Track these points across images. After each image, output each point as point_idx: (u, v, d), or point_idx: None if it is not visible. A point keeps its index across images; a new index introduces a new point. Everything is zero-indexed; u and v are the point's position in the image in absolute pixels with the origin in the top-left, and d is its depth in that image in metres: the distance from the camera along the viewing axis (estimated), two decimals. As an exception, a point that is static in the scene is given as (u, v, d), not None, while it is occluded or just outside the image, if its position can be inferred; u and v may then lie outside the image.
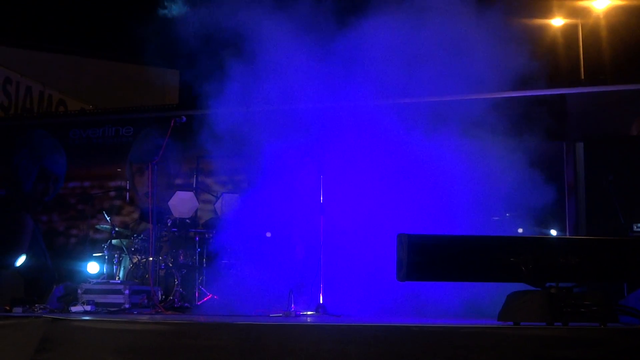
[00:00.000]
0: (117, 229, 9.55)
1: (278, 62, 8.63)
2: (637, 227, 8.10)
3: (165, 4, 8.78)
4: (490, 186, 8.69)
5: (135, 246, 9.47)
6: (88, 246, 9.94)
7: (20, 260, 9.53)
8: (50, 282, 9.40)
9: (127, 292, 8.41)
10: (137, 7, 8.68)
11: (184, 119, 8.67)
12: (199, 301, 8.99)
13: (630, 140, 9.80)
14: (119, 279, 9.23)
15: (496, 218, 8.72)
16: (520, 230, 8.85)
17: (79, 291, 8.51)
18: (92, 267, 9.46)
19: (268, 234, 9.20)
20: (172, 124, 8.52)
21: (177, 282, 9.13)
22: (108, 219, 9.58)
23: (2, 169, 11.55)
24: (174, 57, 9.49)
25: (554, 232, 9.34)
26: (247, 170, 9.22)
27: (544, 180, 8.70)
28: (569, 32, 13.25)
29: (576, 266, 5.04)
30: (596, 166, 9.26)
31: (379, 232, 8.12)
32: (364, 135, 8.66)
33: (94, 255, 9.65)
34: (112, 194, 11.00)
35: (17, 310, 8.06)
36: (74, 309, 8.16)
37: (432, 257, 5.03)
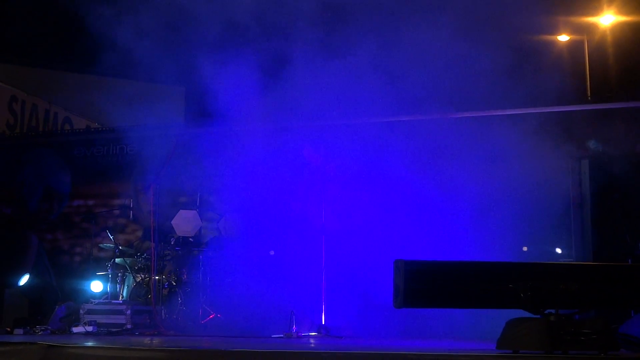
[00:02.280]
0: (120, 247, 9.53)
1: (280, 80, 8.63)
2: (643, 246, 8.03)
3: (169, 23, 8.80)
4: (495, 204, 8.64)
5: (139, 265, 9.46)
6: (92, 265, 9.91)
7: (24, 279, 9.51)
8: (54, 302, 9.39)
9: (128, 312, 8.42)
10: (142, 26, 8.70)
11: (188, 137, 8.69)
12: (202, 320, 8.94)
13: (637, 157, 9.70)
14: (122, 297, 9.22)
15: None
16: (524, 249, 8.78)
17: (81, 311, 8.51)
18: (96, 286, 9.46)
19: (271, 252, 9.19)
20: (176, 142, 8.53)
21: (180, 301, 9.10)
22: (112, 237, 9.57)
23: (7, 187, 11.57)
24: (180, 74, 9.51)
25: (559, 251, 9.26)
26: (251, 189, 9.19)
27: (549, 198, 8.63)
28: (575, 49, 13.18)
29: (576, 293, 4.97)
30: (602, 184, 9.16)
31: (381, 251, 8.08)
32: (366, 155, 8.63)
33: (97, 274, 9.64)
34: (117, 212, 10.99)
35: (19, 331, 8.06)
36: (75, 329, 8.17)
37: (429, 284, 4.96)
